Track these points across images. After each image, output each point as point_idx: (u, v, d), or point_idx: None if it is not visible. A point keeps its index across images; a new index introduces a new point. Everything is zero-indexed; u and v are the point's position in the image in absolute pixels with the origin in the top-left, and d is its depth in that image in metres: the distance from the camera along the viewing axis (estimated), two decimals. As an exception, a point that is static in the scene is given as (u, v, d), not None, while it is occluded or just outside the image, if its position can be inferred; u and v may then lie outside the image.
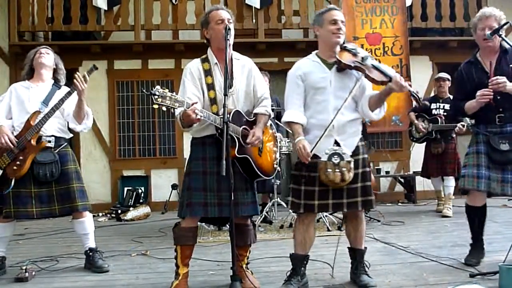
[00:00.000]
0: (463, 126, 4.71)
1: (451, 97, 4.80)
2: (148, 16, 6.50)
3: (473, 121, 3.17)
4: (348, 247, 2.87)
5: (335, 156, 2.48)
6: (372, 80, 2.63)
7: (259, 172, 2.64)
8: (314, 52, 2.79)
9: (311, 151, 2.51)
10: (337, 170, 2.46)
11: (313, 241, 2.75)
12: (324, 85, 2.63)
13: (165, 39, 6.82)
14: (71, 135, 3.45)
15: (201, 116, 2.39)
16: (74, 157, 3.33)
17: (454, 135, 5.27)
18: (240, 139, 2.57)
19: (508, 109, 2.97)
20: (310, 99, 2.67)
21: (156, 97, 2.25)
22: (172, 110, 2.37)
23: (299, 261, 2.70)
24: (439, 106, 5.28)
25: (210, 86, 2.58)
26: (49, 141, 3.16)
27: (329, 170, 2.46)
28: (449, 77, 5.35)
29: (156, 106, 2.30)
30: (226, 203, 2.51)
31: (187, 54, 6.74)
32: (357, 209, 2.66)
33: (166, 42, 6.72)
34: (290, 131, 2.74)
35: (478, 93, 2.94)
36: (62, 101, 3.10)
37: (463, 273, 2.89)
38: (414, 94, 2.63)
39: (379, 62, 2.71)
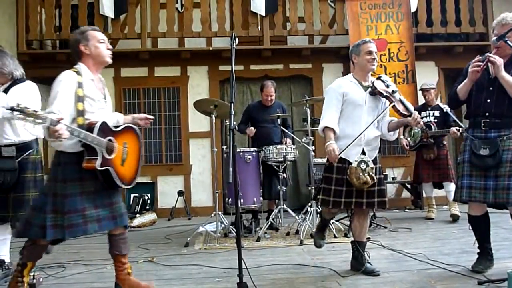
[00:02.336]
0: (458, 130, 4.69)
1: (440, 104, 4.95)
2: (154, 24, 6.56)
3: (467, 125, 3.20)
4: (351, 241, 3.29)
5: (362, 163, 3.01)
6: (397, 111, 3.13)
7: (119, 183, 2.67)
8: (351, 74, 3.28)
9: (339, 154, 3.02)
10: (365, 174, 2.99)
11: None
12: (361, 103, 3.13)
13: (171, 46, 6.88)
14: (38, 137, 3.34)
15: (73, 133, 2.38)
16: (37, 165, 3.26)
17: (445, 142, 5.37)
18: (104, 151, 2.55)
19: (494, 114, 2.98)
20: (347, 113, 3.14)
21: (16, 113, 2.20)
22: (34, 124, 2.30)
23: (328, 221, 3.45)
24: (429, 113, 5.37)
25: (80, 99, 2.56)
26: (10, 150, 3.13)
27: (360, 174, 2.98)
28: (433, 85, 5.51)
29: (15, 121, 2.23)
30: (104, 218, 2.62)
31: (193, 62, 6.82)
32: (374, 208, 3.18)
33: (172, 50, 6.77)
34: (323, 136, 3.17)
35: (470, 67, 2.99)
36: None
37: (471, 280, 2.87)
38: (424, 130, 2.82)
39: (403, 97, 3.23)
